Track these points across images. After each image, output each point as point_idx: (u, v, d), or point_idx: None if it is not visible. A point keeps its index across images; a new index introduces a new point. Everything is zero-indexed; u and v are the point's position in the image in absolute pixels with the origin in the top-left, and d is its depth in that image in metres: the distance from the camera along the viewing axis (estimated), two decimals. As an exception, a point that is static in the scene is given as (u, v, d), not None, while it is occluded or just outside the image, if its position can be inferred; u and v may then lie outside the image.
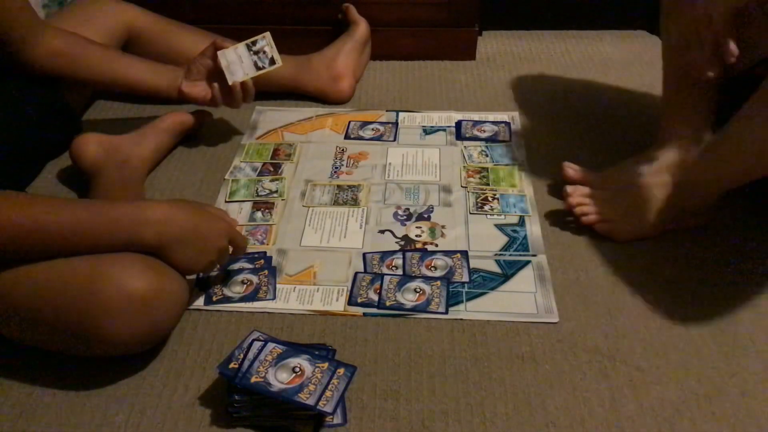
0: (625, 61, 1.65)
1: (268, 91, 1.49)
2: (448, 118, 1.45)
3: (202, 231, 0.93)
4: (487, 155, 1.32)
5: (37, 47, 1.14)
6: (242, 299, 1.03)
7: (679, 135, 1.16)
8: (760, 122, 0.97)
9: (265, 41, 1.28)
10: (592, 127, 1.41)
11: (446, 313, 1.00)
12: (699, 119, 1.16)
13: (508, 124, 1.41)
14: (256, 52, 1.27)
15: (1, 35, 1.10)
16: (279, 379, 0.83)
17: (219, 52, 1.26)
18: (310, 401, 0.81)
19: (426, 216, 1.19)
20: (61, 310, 0.84)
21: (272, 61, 1.28)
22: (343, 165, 1.31)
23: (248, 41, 1.28)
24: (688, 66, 1.05)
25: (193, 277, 1.05)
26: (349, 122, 1.43)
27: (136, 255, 0.87)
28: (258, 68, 1.28)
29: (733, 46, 0.97)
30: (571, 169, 1.18)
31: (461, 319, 0.99)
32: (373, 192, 1.24)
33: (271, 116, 1.46)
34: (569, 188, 1.14)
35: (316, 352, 0.88)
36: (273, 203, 1.21)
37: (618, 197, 1.11)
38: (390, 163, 1.31)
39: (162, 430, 0.85)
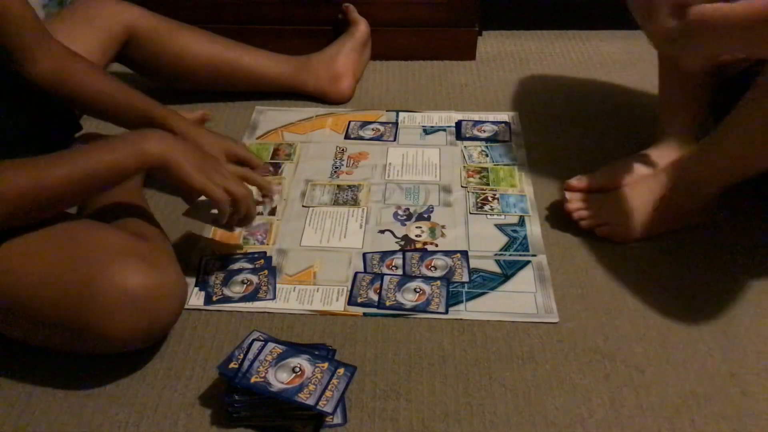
0: (625, 61, 1.64)
1: (268, 91, 1.49)
2: (448, 118, 1.45)
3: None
4: (487, 155, 1.32)
5: (38, 65, 1.12)
6: (242, 299, 1.03)
7: (676, 135, 1.16)
8: (754, 117, 0.97)
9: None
10: (591, 127, 1.40)
11: (446, 313, 1.00)
12: (696, 119, 1.16)
13: (508, 124, 1.41)
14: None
15: (4, 45, 1.08)
16: (279, 379, 0.83)
17: None
18: (310, 401, 0.81)
19: (426, 216, 1.19)
20: (59, 308, 0.84)
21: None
22: (343, 165, 1.31)
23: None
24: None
25: (193, 278, 1.05)
26: (349, 122, 1.43)
27: (133, 251, 0.88)
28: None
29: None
30: (576, 181, 1.15)
31: (461, 319, 0.99)
32: (373, 192, 1.24)
33: (271, 116, 1.46)
34: (568, 194, 1.14)
35: (316, 352, 0.88)
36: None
37: (616, 199, 1.11)
38: (390, 163, 1.31)
39: (162, 430, 0.85)
